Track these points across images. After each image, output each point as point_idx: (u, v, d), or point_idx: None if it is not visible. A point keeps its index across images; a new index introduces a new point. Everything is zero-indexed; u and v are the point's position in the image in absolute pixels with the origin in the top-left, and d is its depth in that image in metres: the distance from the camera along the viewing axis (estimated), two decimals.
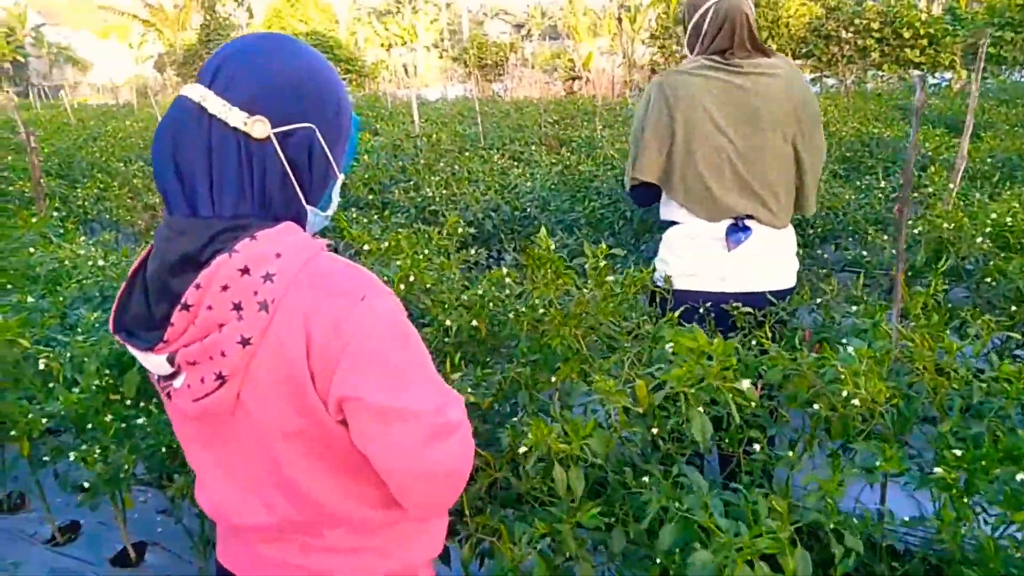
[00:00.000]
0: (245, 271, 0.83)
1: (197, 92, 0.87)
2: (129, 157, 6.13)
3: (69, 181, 5.24)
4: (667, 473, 1.41)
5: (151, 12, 31.68)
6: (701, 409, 1.25)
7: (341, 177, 0.99)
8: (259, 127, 0.86)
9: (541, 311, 1.51)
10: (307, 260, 0.86)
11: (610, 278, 1.53)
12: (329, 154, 0.93)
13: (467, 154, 4.45)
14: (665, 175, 2.11)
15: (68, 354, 1.84)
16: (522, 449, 1.24)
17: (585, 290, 1.52)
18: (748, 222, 2.10)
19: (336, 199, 1.01)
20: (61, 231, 3.20)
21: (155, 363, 0.88)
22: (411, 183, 3.87)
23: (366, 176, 3.94)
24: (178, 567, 2.38)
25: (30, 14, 43.70)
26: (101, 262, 2.33)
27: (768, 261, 2.14)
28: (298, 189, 0.90)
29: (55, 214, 3.49)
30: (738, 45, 2.05)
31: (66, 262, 2.61)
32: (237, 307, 0.83)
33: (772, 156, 2.08)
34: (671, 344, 1.16)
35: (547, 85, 18.74)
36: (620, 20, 16.87)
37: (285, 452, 0.91)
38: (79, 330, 1.93)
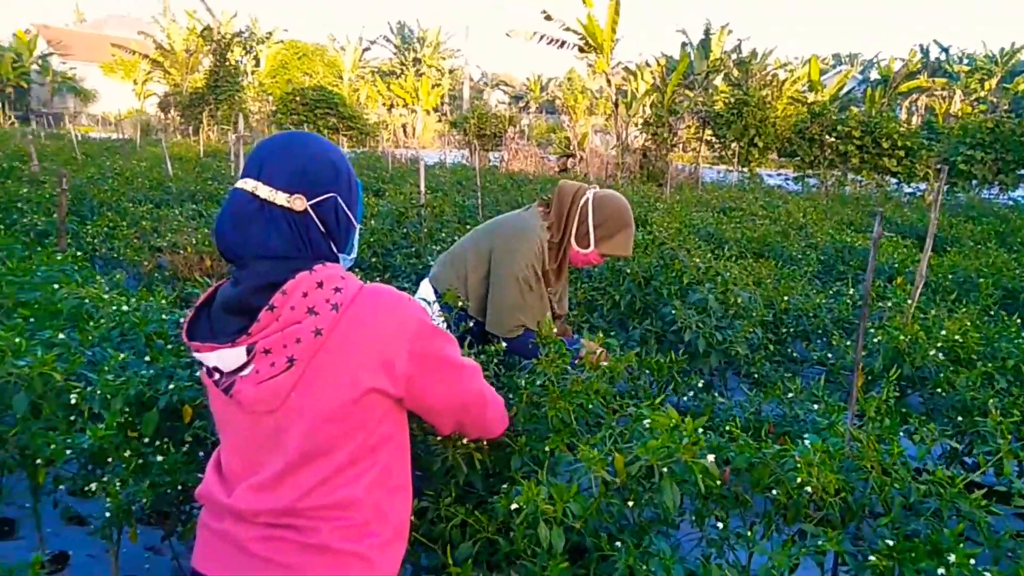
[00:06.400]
0: (320, 284, 1.12)
1: (249, 184, 1.18)
2: (137, 198, 6.32)
3: (79, 217, 5.41)
4: (639, 544, 1.58)
5: (161, 54, 32.42)
6: (669, 479, 1.42)
7: (358, 227, 1.32)
8: (298, 202, 1.17)
9: (539, 384, 1.70)
10: (361, 284, 1.18)
11: (604, 363, 1.73)
12: (348, 211, 1.24)
13: (467, 226, 4.70)
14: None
15: (97, 391, 1.98)
16: (514, 506, 1.41)
17: (580, 371, 1.72)
18: None
19: (356, 245, 1.34)
20: (76, 268, 3.36)
21: (229, 357, 1.12)
22: (413, 250, 4.09)
23: (372, 240, 4.16)
24: None
25: (40, 42, 44.44)
26: (125, 307, 2.49)
27: None
28: (331, 242, 1.22)
29: (72, 252, 3.65)
30: None
31: (86, 301, 2.77)
32: (312, 310, 1.11)
33: None
34: (648, 420, 1.35)
35: (542, 159, 19.35)
36: (617, 105, 17.62)
37: (318, 435, 1.14)
38: (106, 368, 2.08)
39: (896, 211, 8.46)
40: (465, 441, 1.65)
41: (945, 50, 42.65)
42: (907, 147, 14.47)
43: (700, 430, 1.40)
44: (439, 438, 1.73)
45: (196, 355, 1.17)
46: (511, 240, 2.40)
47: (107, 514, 1.89)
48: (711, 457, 1.31)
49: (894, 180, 14.88)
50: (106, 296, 2.67)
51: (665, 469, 1.34)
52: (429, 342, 1.19)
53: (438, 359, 1.22)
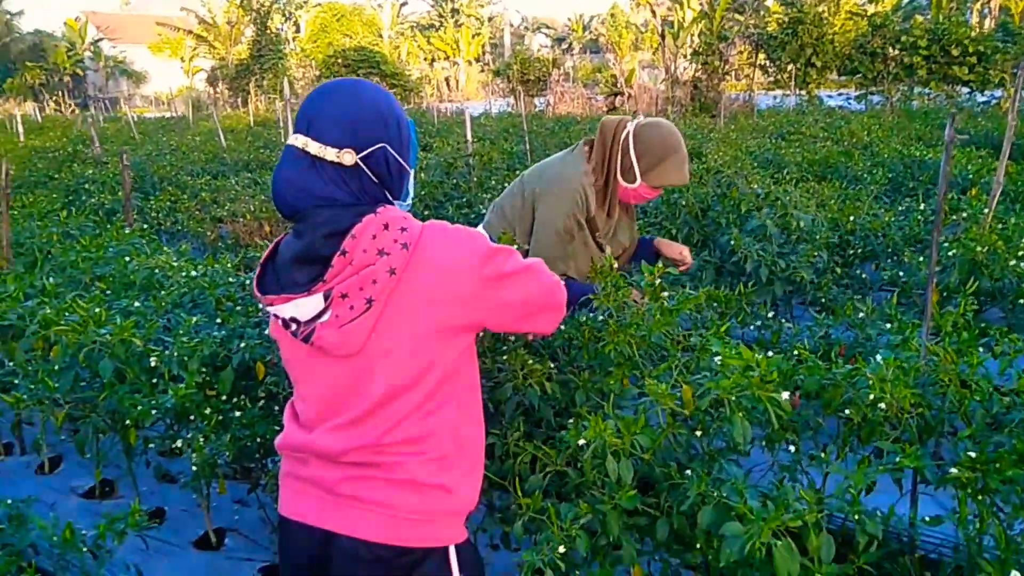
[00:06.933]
0: (386, 226, 1.14)
1: (300, 140, 1.19)
2: (195, 171, 6.48)
3: (143, 193, 5.59)
4: (708, 472, 1.57)
5: (205, 28, 32.81)
6: (741, 415, 1.41)
7: (412, 171, 1.29)
8: (347, 157, 1.18)
9: (600, 320, 1.69)
10: (422, 223, 1.19)
11: (664, 294, 1.70)
12: (400, 159, 1.24)
13: (516, 172, 4.66)
14: None
15: (175, 353, 2.08)
16: (581, 441, 1.42)
17: (642, 303, 1.69)
18: None
19: (412, 189, 1.39)
20: (144, 241, 3.49)
21: (306, 306, 1.15)
22: (464, 199, 4.08)
23: (423, 193, 4.17)
24: (255, 552, 2.60)
25: (89, 29, 45.57)
26: (194, 272, 2.58)
27: None
28: (386, 191, 1.23)
29: (140, 226, 3.78)
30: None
31: (156, 271, 2.88)
32: (383, 251, 1.12)
33: None
34: (719, 357, 1.32)
35: (589, 100, 18.93)
36: (663, 37, 16.97)
37: (400, 372, 1.17)
38: (180, 331, 2.17)
39: (969, 121, 7.98)
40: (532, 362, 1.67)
41: None
42: (980, 52, 13.50)
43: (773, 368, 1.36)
44: (508, 373, 1.75)
45: (270, 308, 1.20)
46: (551, 187, 2.37)
47: (194, 468, 1.99)
48: (786, 394, 1.27)
49: (966, 89, 13.97)
50: (175, 264, 2.77)
51: (734, 399, 1.31)
52: (495, 264, 1.21)
53: (508, 275, 1.23)
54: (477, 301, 1.19)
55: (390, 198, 1.24)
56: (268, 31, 29.18)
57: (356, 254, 1.12)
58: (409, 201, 1.24)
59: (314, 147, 1.17)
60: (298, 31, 39.09)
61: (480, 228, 2.62)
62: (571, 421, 1.70)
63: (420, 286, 1.15)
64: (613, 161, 2.34)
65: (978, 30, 15.27)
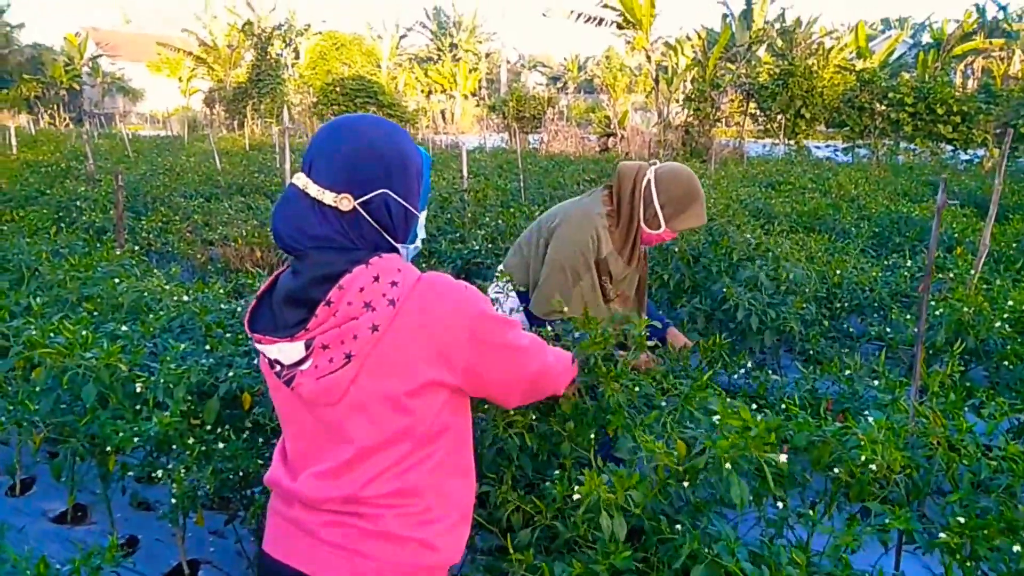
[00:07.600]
0: (376, 278, 1.11)
1: (301, 181, 1.17)
2: (188, 193, 6.47)
3: (134, 213, 5.57)
4: (696, 524, 1.56)
5: (205, 50, 33.04)
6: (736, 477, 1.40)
7: (422, 214, 1.25)
8: (345, 203, 1.15)
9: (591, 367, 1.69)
10: (419, 275, 1.15)
11: (650, 343, 1.70)
12: (404, 202, 1.20)
13: (511, 209, 4.69)
14: None
15: (161, 380, 2.05)
16: (575, 496, 1.40)
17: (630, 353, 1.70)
18: None
19: (422, 232, 1.32)
20: (134, 263, 3.47)
21: (289, 351, 1.14)
22: (457, 235, 4.10)
23: None
24: None
25: (88, 44, 45.77)
26: (185, 297, 2.56)
27: None
28: (387, 236, 1.19)
29: (131, 247, 3.76)
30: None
31: (146, 294, 2.85)
32: (368, 305, 1.09)
33: None
34: (717, 416, 1.32)
35: (582, 140, 19.17)
36: (657, 81, 17.29)
37: (378, 428, 1.14)
38: (168, 358, 2.15)
39: (953, 179, 8.16)
40: (513, 413, 1.65)
41: (1003, 8, 40.53)
42: (963, 112, 13.86)
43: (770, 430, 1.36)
44: (489, 421, 1.74)
45: (257, 346, 1.18)
46: (564, 228, 2.39)
47: (173, 500, 1.95)
48: (783, 457, 1.28)
49: (949, 147, 14.31)
50: (166, 288, 2.75)
51: (731, 466, 1.31)
52: (488, 331, 1.16)
53: (498, 346, 1.19)
54: (459, 364, 1.15)
55: (393, 243, 1.20)
56: (268, 56, 29.39)
57: (341, 306, 1.10)
58: (417, 243, 1.20)
59: (313, 189, 1.15)
60: (297, 57, 39.41)
61: (500, 267, 2.63)
62: (556, 472, 1.69)
63: (403, 344, 1.11)
64: (635, 209, 2.36)
65: (961, 90, 15.69)
